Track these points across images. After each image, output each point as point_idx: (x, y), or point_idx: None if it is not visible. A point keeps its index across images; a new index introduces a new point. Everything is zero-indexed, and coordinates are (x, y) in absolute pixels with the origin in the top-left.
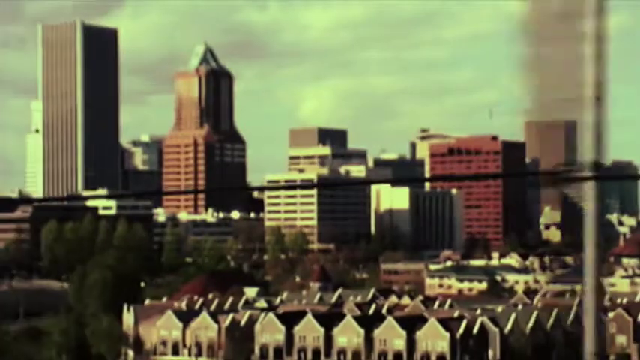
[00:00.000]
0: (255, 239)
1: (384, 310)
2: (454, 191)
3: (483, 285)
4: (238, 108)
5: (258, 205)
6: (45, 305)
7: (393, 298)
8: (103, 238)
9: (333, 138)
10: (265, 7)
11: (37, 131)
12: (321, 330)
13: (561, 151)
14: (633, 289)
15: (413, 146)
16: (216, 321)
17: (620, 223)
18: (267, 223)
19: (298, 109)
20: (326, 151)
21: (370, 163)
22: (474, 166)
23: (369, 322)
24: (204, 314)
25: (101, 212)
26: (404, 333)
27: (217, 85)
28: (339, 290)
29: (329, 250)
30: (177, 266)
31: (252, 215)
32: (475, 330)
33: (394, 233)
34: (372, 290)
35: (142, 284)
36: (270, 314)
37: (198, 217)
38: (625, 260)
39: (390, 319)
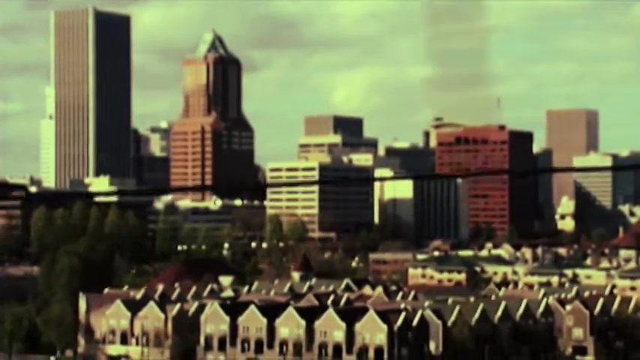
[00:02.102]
0: (254, 227)
1: (342, 302)
2: (459, 181)
3: (462, 276)
4: (267, 96)
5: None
6: (24, 292)
7: (367, 289)
8: (94, 225)
9: (349, 126)
10: None
11: (50, 117)
12: (264, 321)
13: (583, 139)
14: (608, 281)
15: (427, 135)
16: (164, 311)
17: (632, 214)
18: (269, 211)
19: (329, 97)
20: (336, 139)
21: (381, 152)
22: (480, 156)
23: (310, 313)
24: (152, 304)
25: (100, 199)
26: (343, 325)
27: (225, 72)
28: (310, 281)
29: (329, 239)
30: (169, 253)
31: (255, 203)
32: (415, 322)
33: (396, 222)
34: (346, 281)
35: (133, 271)
36: (216, 304)
37: (200, 205)
38: (623, 252)
39: (330, 310)
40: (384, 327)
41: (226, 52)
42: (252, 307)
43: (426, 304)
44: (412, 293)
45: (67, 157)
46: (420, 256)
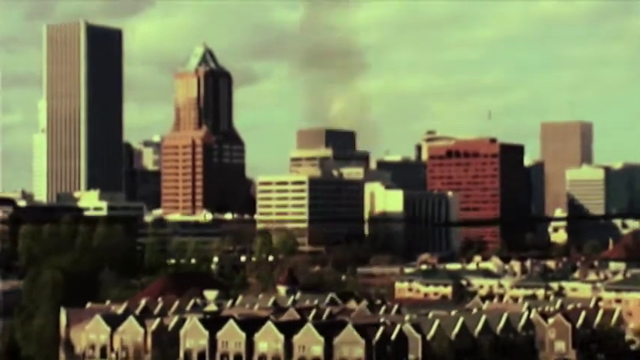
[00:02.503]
0: (244, 241)
1: (324, 316)
2: (450, 194)
3: (448, 289)
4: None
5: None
6: (11, 306)
7: (352, 303)
8: (82, 239)
9: (341, 139)
10: (295, 7)
11: (42, 130)
12: (243, 335)
13: (577, 151)
14: (594, 294)
15: (419, 148)
16: (143, 325)
17: (625, 226)
18: (259, 225)
19: (326, 109)
20: (328, 152)
21: (373, 165)
22: (471, 169)
23: (289, 328)
24: (131, 318)
25: (91, 213)
26: (322, 339)
27: (216, 85)
28: (295, 295)
29: (319, 252)
30: (157, 267)
31: (245, 217)
32: (394, 336)
33: (387, 235)
34: (330, 295)
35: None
36: (195, 319)
37: (190, 218)
38: (613, 264)
39: (308, 325)
40: (362, 341)
41: (217, 65)
42: (231, 321)
43: (406, 318)
44: (395, 307)
45: (58, 170)
46: (408, 270)
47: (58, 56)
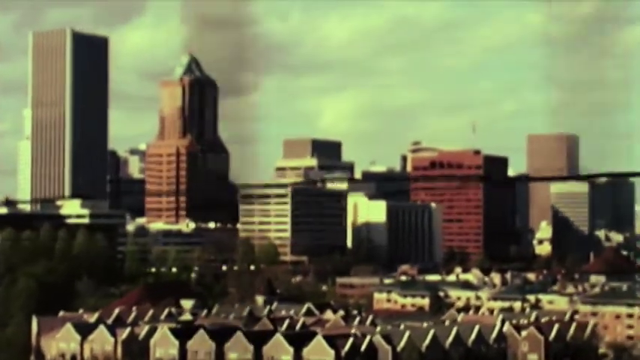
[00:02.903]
0: (226, 250)
1: (298, 326)
2: (433, 205)
3: (426, 301)
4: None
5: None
6: None
7: (329, 314)
8: (62, 247)
9: (327, 149)
10: (286, 18)
11: (27, 138)
12: (213, 345)
13: (563, 164)
14: (571, 307)
15: (404, 159)
16: (114, 334)
17: (608, 239)
18: (241, 234)
19: (317, 120)
20: (312, 162)
21: (358, 175)
22: (455, 180)
23: (259, 338)
24: (102, 327)
25: (73, 220)
26: (291, 350)
27: (202, 94)
28: (271, 305)
29: (301, 263)
30: (138, 276)
31: (228, 226)
32: (363, 348)
33: (370, 246)
34: (307, 305)
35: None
36: (165, 328)
37: (172, 227)
38: (593, 277)
39: (278, 335)
40: (332, 352)
41: (202, 74)
42: (202, 331)
43: (378, 329)
44: (370, 318)
45: (42, 177)
46: (387, 281)
47: (43, 64)
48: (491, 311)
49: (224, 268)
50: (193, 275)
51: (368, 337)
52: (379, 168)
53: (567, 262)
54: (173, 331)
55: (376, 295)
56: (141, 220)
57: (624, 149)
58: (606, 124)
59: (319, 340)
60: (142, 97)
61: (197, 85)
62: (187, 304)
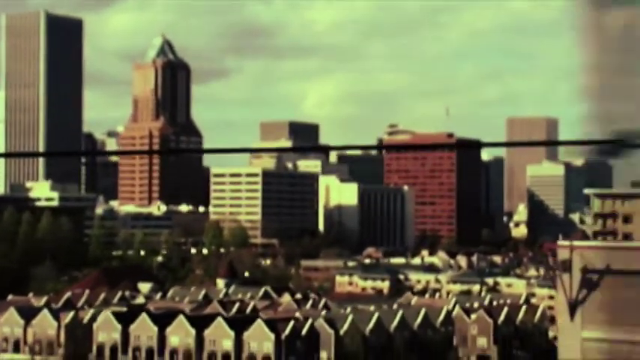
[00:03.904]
0: (195, 233)
1: (248, 310)
2: (406, 188)
3: (386, 284)
4: (236, 102)
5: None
6: None
7: (286, 297)
8: (26, 230)
9: (305, 132)
10: (270, 2)
11: (0, 121)
12: (155, 330)
13: (542, 147)
14: (528, 290)
15: (380, 142)
16: (57, 319)
17: (582, 222)
18: (212, 217)
19: (300, 103)
20: (288, 145)
21: (334, 158)
22: (428, 163)
23: (201, 322)
24: (45, 312)
25: (42, 203)
26: (232, 333)
27: (174, 77)
28: (229, 289)
29: (271, 245)
30: (102, 259)
31: (200, 210)
32: (305, 331)
33: (341, 229)
34: (264, 288)
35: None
36: (108, 313)
37: (143, 210)
38: None
39: (219, 319)
40: (272, 336)
41: (175, 57)
42: (144, 315)
43: (323, 313)
44: (322, 301)
45: (16, 161)
46: (351, 264)
47: (17, 46)
48: (449, 294)
49: (194, 251)
50: (160, 258)
51: (309, 321)
52: (354, 151)
53: (537, 245)
54: (116, 315)
55: (338, 279)
56: (114, 204)
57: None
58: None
59: (260, 323)
60: (122, 81)
61: (170, 68)
62: (145, 287)
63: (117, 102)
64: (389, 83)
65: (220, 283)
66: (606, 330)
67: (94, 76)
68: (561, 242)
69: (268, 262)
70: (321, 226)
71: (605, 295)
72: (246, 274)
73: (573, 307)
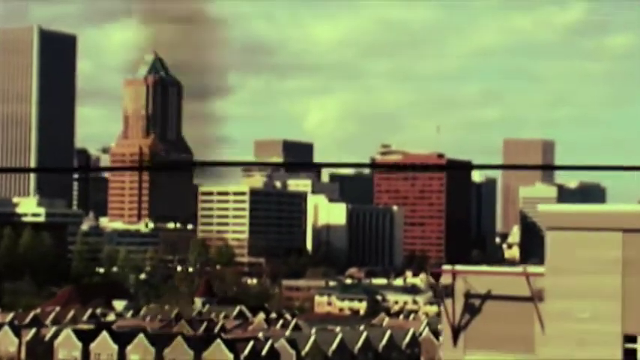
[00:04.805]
0: (181, 251)
1: (216, 329)
2: (395, 208)
3: (363, 305)
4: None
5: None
6: None
7: (261, 316)
8: (7, 245)
9: (299, 151)
10: (273, 19)
11: None
12: (115, 348)
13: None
14: None
15: (373, 161)
16: (18, 335)
17: None
18: (200, 235)
19: (301, 121)
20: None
21: (326, 178)
22: (418, 184)
23: (161, 340)
24: (6, 328)
25: (28, 219)
26: (192, 353)
27: (165, 94)
28: (203, 308)
29: (258, 264)
30: (84, 276)
31: (189, 227)
32: (264, 352)
33: (327, 249)
34: (238, 307)
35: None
36: (69, 330)
37: (130, 227)
38: None
39: (179, 338)
40: (231, 356)
41: (167, 73)
42: (105, 333)
43: (287, 333)
44: (293, 322)
45: (7, 176)
46: (332, 283)
47: (9, 60)
48: (427, 315)
49: (179, 269)
50: (143, 275)
51: (270, 342)
52: (347, 170)
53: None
54: (78, 333)
55: (317, 299)
56: (103, 220)
57: (597, 158)
58: (584, 131)
59: (219, 343)
60: (119, 96)
61: (161, 85)
62: (120, 304)
63: (114, 117)
64: (389, 102)
65: (198, 301)
66: (487, 355)
67: (93, 91)
68: (445, 267)
69: (255, 281)
70: (309, 246)
71: (487, 320)
72: (230, 292)
73: (456, 332)
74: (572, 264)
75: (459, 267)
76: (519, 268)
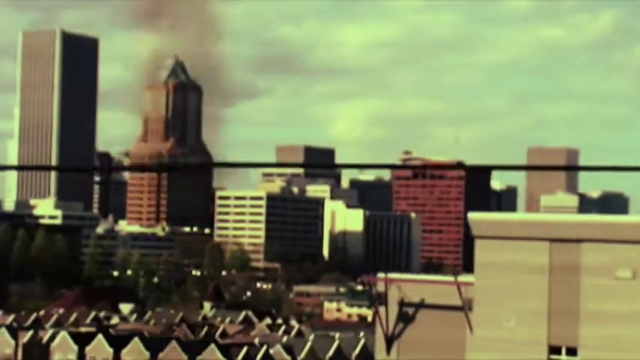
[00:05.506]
0: (197, 255)
1: (217, 334)
2: (413, 215)
3: (370, 311)
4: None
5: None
6: None
7: (266, 321)
8: (20, 247)
9: (320, 156)
10: (301, 23)
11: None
12: (110, 351)
13: (562, 178)
14: None
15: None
16: (15, 337)
17: None
18: (216, 239)
19: (325, 126)
20: (299, 168)
21: (346, 184)
22: (437, 191)
23: (156, 345)
24: (3, 330)
25: (45, 221)
26: (185, 357)
27: (185, 98)
28: (210, 312)
29: (273, 269)
30: (96, 278)
31: (206, 231)
32: (259, 357)
33: (344, 255)
34: (244, 312)
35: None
36: (64, 333)
37: (146, 230)
38: None
39: (173, 342)
40: None
41: (187, 77)
42: (100, 336)
43: (284, 339)
44: (296, 327)
45: (29, 178)
46: (342, 290)
47: (32, 63)
48: None
49: (194, 273)
50: (155, 279)
51: (264, 347)
52: (367, 176)
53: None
54: (74, 335)
55: (326, 305)
56: (122, 223)
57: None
58: (610, 141)
59: (213, 348)
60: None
61: (181, 89)
62: (126, 308)
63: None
64: (415, 109)
65: (207, 306)
66: None
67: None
68: (380, 275)
69: (269, 286)
70: (325, 252)
71: (420, 329)
72: (243, 297)
73: (390, 340)
74: (499, 273)
75: (392, 275)
76: (452, 277)
